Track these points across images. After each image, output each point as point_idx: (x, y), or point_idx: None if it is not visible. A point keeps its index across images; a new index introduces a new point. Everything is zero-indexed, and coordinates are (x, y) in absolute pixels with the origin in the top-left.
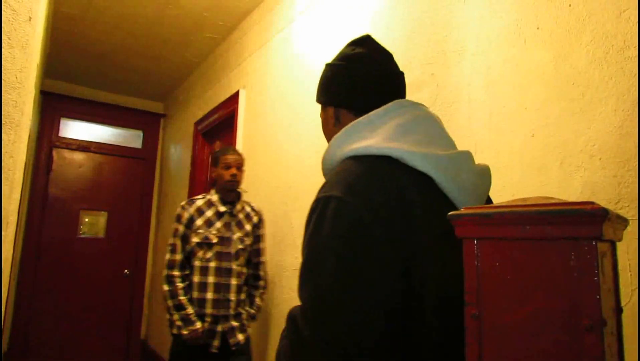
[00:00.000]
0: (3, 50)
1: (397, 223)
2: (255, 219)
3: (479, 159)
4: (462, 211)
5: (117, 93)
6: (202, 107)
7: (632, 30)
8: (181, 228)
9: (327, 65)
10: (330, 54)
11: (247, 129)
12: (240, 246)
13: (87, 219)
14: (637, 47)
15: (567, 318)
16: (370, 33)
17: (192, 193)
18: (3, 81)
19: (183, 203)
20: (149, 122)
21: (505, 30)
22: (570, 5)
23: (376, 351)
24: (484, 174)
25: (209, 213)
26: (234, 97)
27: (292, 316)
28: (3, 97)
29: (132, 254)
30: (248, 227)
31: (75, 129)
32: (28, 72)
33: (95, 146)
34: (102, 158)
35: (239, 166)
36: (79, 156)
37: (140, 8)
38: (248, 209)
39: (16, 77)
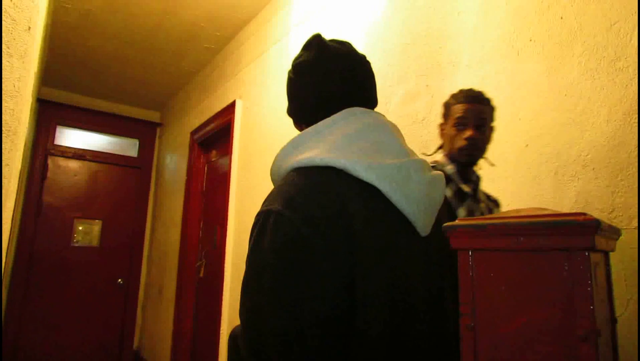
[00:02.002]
0: (2, 59)
1: (339, 237)
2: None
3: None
4: (457, 222)
5: (114, 102)
6: (199, 116)
7: (622, 42)
8: None
9: (287, 72)
10: None
11: (243, 139)
12: None
13: (81, 228)
14: (628, 58)
15: (561, 328)
16: (320, 33)
17: (188, 203)
18: (2, 90)
19: None
20: (145, 131)
21: (498, 42)
22: (562, 18)
23: None
24: (436, 182)
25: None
26: (231, 107)
27: (233, 336)
28: (1, 106)
29: (126, 263)
30: None
31: (70, 137)
32: (26, 81)
33: (91, 154)
34: (98, 166)
35: (480, 121)
36: (74, 164)
37: (137, 18)
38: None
39: (14, 86)
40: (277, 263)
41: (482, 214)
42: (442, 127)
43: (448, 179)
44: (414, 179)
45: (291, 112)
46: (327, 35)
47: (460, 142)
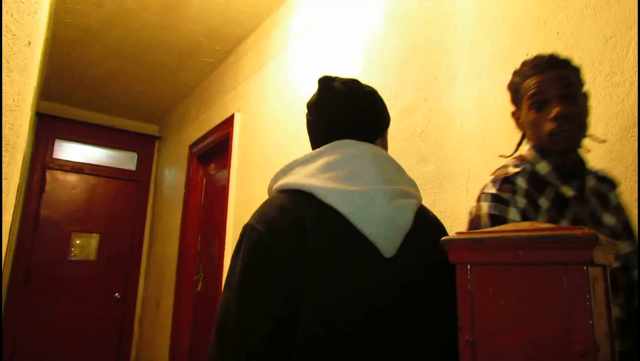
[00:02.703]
0: (2, 74)
1: (295, 248)
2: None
3: (472, 183)
4: (455, 236)
5: (113, 115)
6: (197, 130)
7: (618, 56)
8: None
9: None
10: None
11: (241, 152)
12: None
13: (78, 242)
14: (624, 72)
15: (560, 343)
16: (329, 74)
17: (186, 216)
18: (1, 104)
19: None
20: (144, 145)
21: (495, 56)
22: (558, 33)
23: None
24: (404, 209)
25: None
26: (229, 121)
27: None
28: (1, 120)
29: (123, 277)
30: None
31: (69, 151)
32: (25, 95)
33: (89, 167)
34: (96, 180)
35: (565, 90)
36: (72, 178)
37: (137, 32)
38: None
39: (13, 100)
40: (245, 266)
41: (593, 215)
42: (516, 115)
43: (542, 183)
44: (376, 205)
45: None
46: (326, 49)
47: (547, 126)
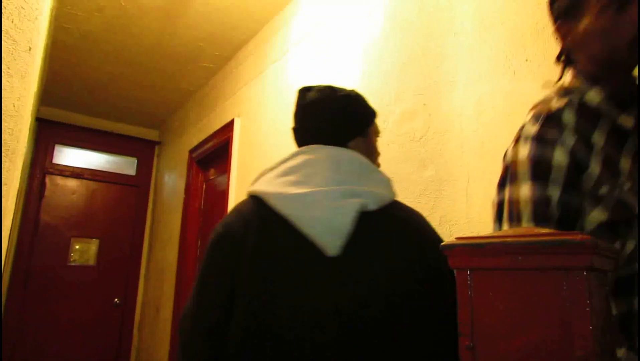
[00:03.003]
0: (2, 79)
1: (240, 248)
2: None
3: (472, 188)
4: (454, 241)
5: (113, 120)
6: (197, 135)
7: None
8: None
9: None
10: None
11: (241, 157)
12: None
13: (77, 247)
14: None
15: (560, 349)
16: (306, 85)
17: (186, 221)
18: (1, 110)
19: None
20: (144, 150)
21: (495, 61)
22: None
23: (209, 342)
24: (342, 209)
25: (596, 138)
26: (229, 126)
27: None
28: (1, 125)
29: (122, 282)
30: None
31: (69, 156)
32: (25, 101)
33: (89, 172)
34: (96, 185)
35: None
36: (72, 183)
37: (137, 38)
38: None
39: (14, 106)
40: (203, 262)
41: None
42: (563, 30)
43: (594, 115)
44: (318, 206)
45: None
46: (326, 54)
47: (628, 32)
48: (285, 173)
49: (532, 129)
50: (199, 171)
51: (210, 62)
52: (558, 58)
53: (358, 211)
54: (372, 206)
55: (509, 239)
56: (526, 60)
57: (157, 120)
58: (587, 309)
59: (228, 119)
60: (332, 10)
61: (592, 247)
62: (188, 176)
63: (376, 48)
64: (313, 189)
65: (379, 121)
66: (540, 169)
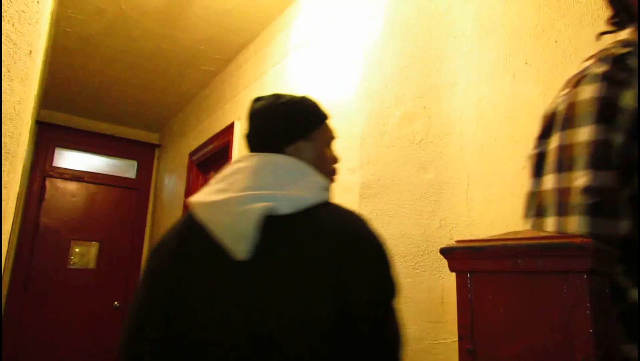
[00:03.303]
0: (3, 83)
1: (169, 254)
2: None
3: (472, 191)
4: (454, 244)
5: (113, 123)
6: (197, 138)
7: None
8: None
9: None
10: (324, 88)
11: None
12: None
13: (77, 250)
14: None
15: (561, 352)
16: (259, 95)
17: None
18: (1, 113)
19: (593, 65)
20: (144, 153)
21: (494, 64)
22: (556, 42)
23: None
24: (246, 213)
25: None
26: (229, 129)
27: None
28: (1, 129)
29: (122, 286)
30: None
31: (69, 159)
32: (26, 104)
33: (89, 175)
34: (96, 188)
35: None
36: (72, 186)
37: (137, 42)
38: None
39: (14, 109)
40: (143, 270)
41: None
42: None
43: None
44: (227, 211)
45: None
46: (326, 58)
47: None
48: (217, 182)
49: (599, 69)
50: (199, 174)
51: (210, 65)
52: (611, 21)
53: (261, 215)
54: (286, 209)
55: (509, 242)
56: (526, 63)
57: (157, 123)
58: (588, 312)
59: (228, 122)
60: (331, 13)
61: (592, 250)
62: (188, 179)
63: (376, 51)
64: (228, 196)
65: (379, 124)
66: (607, 111)
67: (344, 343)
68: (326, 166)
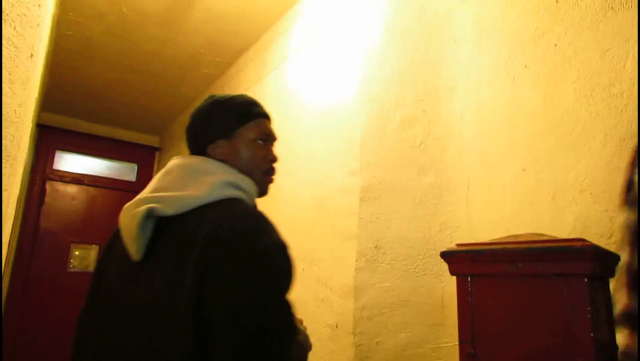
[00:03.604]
0: (4, 86)
1: (97, 263)
2: None
3: (472, 194)
4: (455, 248)
5: (113, 126)
6: None
7: (616, 68)
8: None
9: None
10: (324, 91)
11: None
12: None
13: (77, 253)
14: (622, 84)
15: (562, 356)
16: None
17: None
18: (2, 116)
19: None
20: (144, 156)
21: (494, 68)
22: (555, 45)
23: None
24: (135, 215)
25: None
26: None
27: None
28: (2, 132)
29: None
30: None
31: (69, 162)
32: (27, 107)
33: (89, 178)
34: (96, 191)
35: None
36: (72, 189)
37: (138, 45)
38: None
39: (15, 112)
40: None
41: None
42: None
43: None
44: (126, 214)
45: None
46: (326, 61)
47: None
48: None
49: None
50: None
51: (210, 69)
52: None
53: (143, 217)
54: (170, 210)
55: (510, 246)
56: (525, 66)
57: (157, 126)
58: (588, 315)
59: None
60: (331, 17)
61: (592, 253)
62: None
63: (376, 55)
64: (137, 197)
65: (379, 127)
66: None
67: None
68: (255, 164)
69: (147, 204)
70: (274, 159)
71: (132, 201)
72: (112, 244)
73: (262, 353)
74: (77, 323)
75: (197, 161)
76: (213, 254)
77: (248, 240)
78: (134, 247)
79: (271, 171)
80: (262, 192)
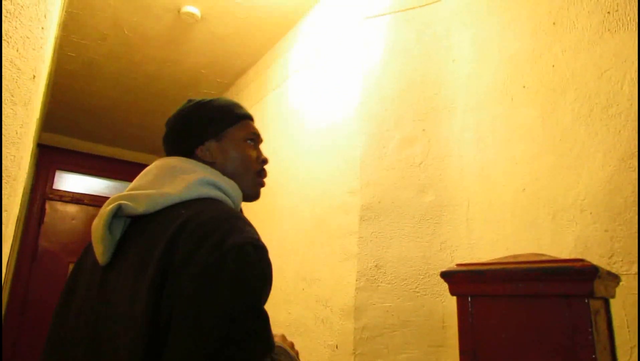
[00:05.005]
0: (6, 107)
1: (73, 269)
2: None
3: (472, 213)
4: (455, 268)
5: (114, 146)
6: None
7: (614, 89)
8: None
9: None
10: (324, 110)
11: None
12: None
13: None
14: (620, 104)
15: None
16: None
17: None
18: (3, 136)
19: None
20: None
21: (492, 88)
22: (553, 66)
23: None
24: (104, 216)
25: None
26: None
27: None
28: (2, 152)
29: None
30: None
31: (69, 182)
32: (28, 128)
33: (89, 198)
34: (96, 211)
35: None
36: (72, 209)
37: (139, 66)
38: None
39: (16, 133)
40: None
41: None
42: None
43: None
44: (99, 214)
45: None
46: (326, 81)
47: None
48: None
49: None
50: None
51: (211, 89)
52: None
53: (110, 216)
54: (139, 208)
55: (510, 266)
56: (524, 86)
57: (158, 146)
58: (590, 337)
59: None
60: (331, 38)
61: (593, 273)
62: None
63: (375, 75)
64: (110, 198)
65: (379, 146)
66: None
67: None
68: (248, 164)
69: (113, 202)
70: (265, 160)
71: (106, 202)
72: (85, 253)
73: None
74: (46, 339)
75: (177, 160)
76: (177, 250)
77: (217, 237)
78: (100, 248)
79: (263, 173)
80: (254, 195)
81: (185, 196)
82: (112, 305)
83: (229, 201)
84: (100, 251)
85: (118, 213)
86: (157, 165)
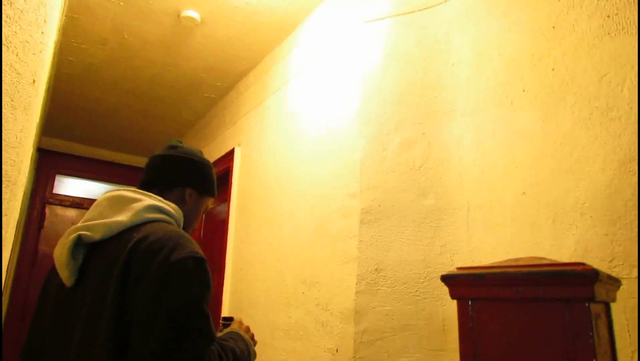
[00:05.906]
0: (6, 111)
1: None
2: None
3: (472, 216)
4: (455, 271)
5: (114, 150)
6: None
7: (613, 93)
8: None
9: None
10: (324, 114)
11: (241, 186)
12: None
13: None
14: (619, 108)
15: None
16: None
17: None
18: (3, 141)
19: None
20: None
21: (492, 91)
22: (553, 70)
23: None
24: (65, 243)
25: None
26: (229, 155)
27: None
28: (2, 157)
29: None
30: None
31: (69, 186)
32: (28, 132)
33: (89, 202)
34: None
35: None
36: (72, 213)
37: (139, 70)
38: None
39: (16, 137)
40: None
41: None
42: None
43: None
44: (61, 242)
45: None
46: (326, 84)
47: None
48: None
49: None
50: None
51: (211, 93)
52: None
53: (72, 244)
54: (96, 236)
55: (510, 269)
56: (523, 90)
57: (157, 149)
58: (591, 341)
59: (228, 148)
60: (331, 41)
61: (593, 277)
62: None
63: (375, 78)
64: (75, 227)
65: (379, 149)
66: None
67: None
68: (197, 220)
69: (74, 232)
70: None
71: (65, 233)
72: (49, 278)
73: (176, 353)
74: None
75: (126, 192)
76: (133, 267)
77: (164, 253)
78: (65, 272)
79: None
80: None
81: (136, 221)
82: (80, 318)
83: (172, 222)
84: (66, 275)
85: (78, 242)
86: (107, 197)
